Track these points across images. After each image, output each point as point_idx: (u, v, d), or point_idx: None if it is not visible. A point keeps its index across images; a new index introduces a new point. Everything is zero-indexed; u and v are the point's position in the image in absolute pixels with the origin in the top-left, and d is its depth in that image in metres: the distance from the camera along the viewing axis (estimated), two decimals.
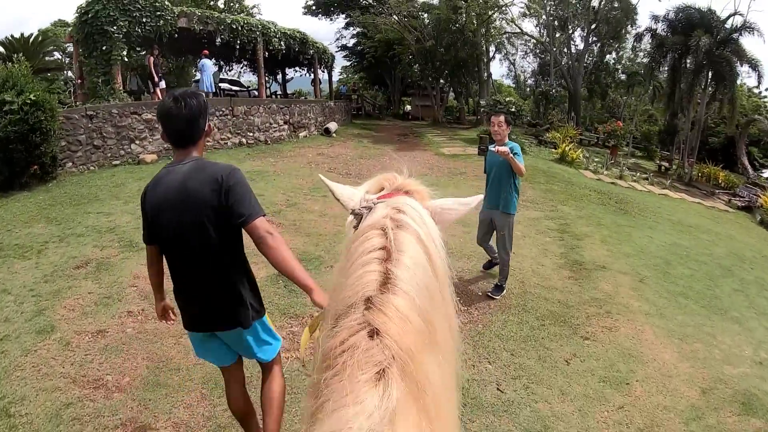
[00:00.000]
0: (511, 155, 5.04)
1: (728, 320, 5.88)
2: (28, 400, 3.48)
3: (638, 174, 17.63)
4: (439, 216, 1.14)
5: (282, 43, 17.75)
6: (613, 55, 31.96)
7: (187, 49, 19.72)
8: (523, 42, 34.34)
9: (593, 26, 27.29)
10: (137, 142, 11.63)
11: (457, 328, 1.06)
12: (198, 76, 16.99)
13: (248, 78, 31.74)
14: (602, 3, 26.57)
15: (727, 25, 21.23)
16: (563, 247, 7.51)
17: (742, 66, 20.81)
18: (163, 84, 14.55)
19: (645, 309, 5.69)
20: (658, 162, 23.81)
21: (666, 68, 23.59)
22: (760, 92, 32.60)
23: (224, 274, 2.32)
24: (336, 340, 0.79)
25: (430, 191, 1.20)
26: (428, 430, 0.75)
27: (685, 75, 22.20)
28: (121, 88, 12.76)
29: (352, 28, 32.09)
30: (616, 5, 26.76)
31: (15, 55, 11.60)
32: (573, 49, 29.23)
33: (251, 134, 14.91)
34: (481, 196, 1.32)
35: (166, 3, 13.55)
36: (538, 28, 30.15)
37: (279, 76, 28.25)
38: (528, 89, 39.33)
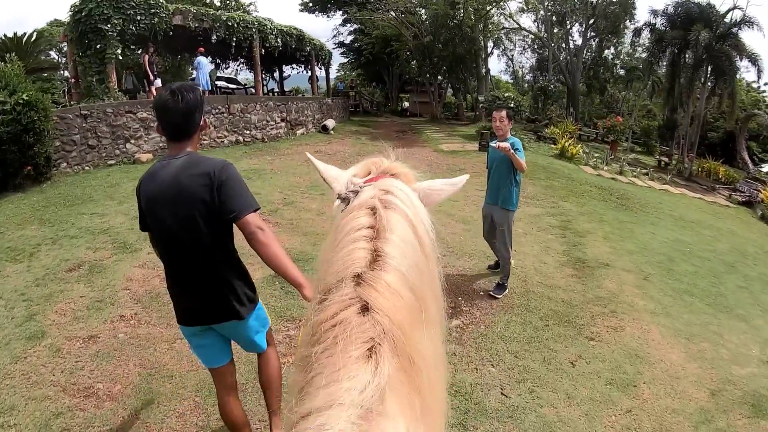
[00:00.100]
0: (512, 151, 4.97)
1: (734, 318, 5.78)
2: (17, 410, 3.36)
3: (638, 169, 17.52)
4: (427, 197, 1.14)
5: (278, 40, 17.61)
6: (612, 50, 31.89)
7: (183, 47, 19.59)
8: (521, 38, 34.26)
9: (591, 21, 27.17)
10: (132, 141, 11.50)
11: (444, 307, 1.05)
12: (195, 74, 16.85)
13: (245, 76, 31.65)
14: None
15: (727, 20, 21.12)
16: (565, 245, 7.39)
17: (741, 60, 20.76)
18: (158, 82, 14.39)
19: (650, 308, 5.58)
20: (657, 157, 23.71)
21: (665, 63, 23.48)
22: (759, 87, 32.49)
23: (217, 268, 2.33)
24: (326, 313, 0.79)
25: (417, 174, 1.19)
26: (420, 405, 0.75)
27: (685, 70, 22.10)
28: (115, 86, 12.60)
29: (349, 25, 31.95)
30: (614, 0, 26.62)
31: (8, 55, 11.44)
32: (571, 45, 29.15)
33: (248, 132, 14.77)
34: (468, 176, 1.31)
35: (161, 0, 13.39)
36: (536, 23, 29.98)
37: (276, 74, 28.12)
38: (526, 85, 39.17)
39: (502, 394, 3.76)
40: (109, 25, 12.10)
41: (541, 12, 27.38)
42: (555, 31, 27.78)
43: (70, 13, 12.43)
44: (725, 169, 21.65)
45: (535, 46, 33.77)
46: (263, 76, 23.24)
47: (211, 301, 2.36)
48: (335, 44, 33.64)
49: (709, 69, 21.22)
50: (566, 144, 16.67)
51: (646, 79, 26.64)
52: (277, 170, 11.02)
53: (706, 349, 4.89)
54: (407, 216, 0.95)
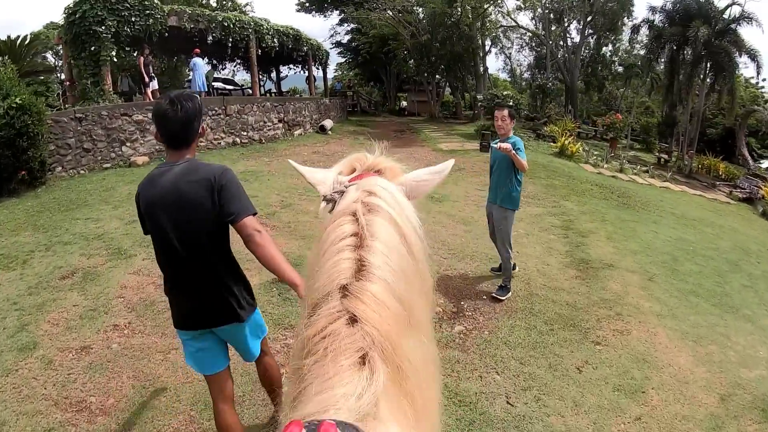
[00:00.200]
0: (513, 152, 4.93)
1: (740, 319, 5.68)
2: (8, 425, 3.25)
3: (638, 167, 17.44)
4: (414, 190, 1.13)
5: (275, 40, 17.47)
6: (610, 47, 31.83)
7: (179, 48, 19.44)
8: (518, 35, 34.25)
9: (589, 18, 27.12)
10: (128, 144, 11.37)
11: (434, 300, 1.09)
12: (191, 75, 16.73)
13: (242, 76, 31.48)
14: None
15: (725, 16, 21.07)
16: (568, 245, 7.28)
17: (740, 56, 20.70)
18: (155, 84, 14.26)
19: (656, 310, 5.47)
20: (657, 154, 23.66)
21: (664, 60, 23.42)
22: (758, 83, 32.42)
23: (216, 271, 2.38)
24: (315, 327, 0.79)
25: (402, 166, 1.18)
26: (411, 408, 0.76)
27: (684, 66, 22.05)
28: (111, 89, 12.44)
29: (346, 25, 31.88)
30: None
31: (1, 59, 11.33)
32: (569, 42, 29.10)
33: (245, 133, 14.65)
34: (452, 161, 1.29)
35: (156, 1, 13.25)
36: (533, 20, 29.94)
37: (273, 74, 27.99)
38: (524, 83, 39.10)
39: (507, 403, 3.65)
40: (103, 27, 11.94)
41: (539, 9, 27.34)
42: (553, 28, 27.72)
43: (64, 15, 12.26)
44: (725, 165, 21.60)
45: (533, 44, 33.77)
46: (260, 76, 23.14)
47: (211, 303, 2.39)
48: (332, 44, 33.59)
49: (708, 65, 21.16)
50: (566, 142, 16.56)
51: (645, 76, 26.54)
52: (275, 172, 10.90)
53: (714, 352, 4.79)
54: (391, 218, 0.94)
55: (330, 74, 30.48)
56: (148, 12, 12.86)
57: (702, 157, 22.10)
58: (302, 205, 8.30)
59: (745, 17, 20.27)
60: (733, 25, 20.56)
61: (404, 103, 32.87)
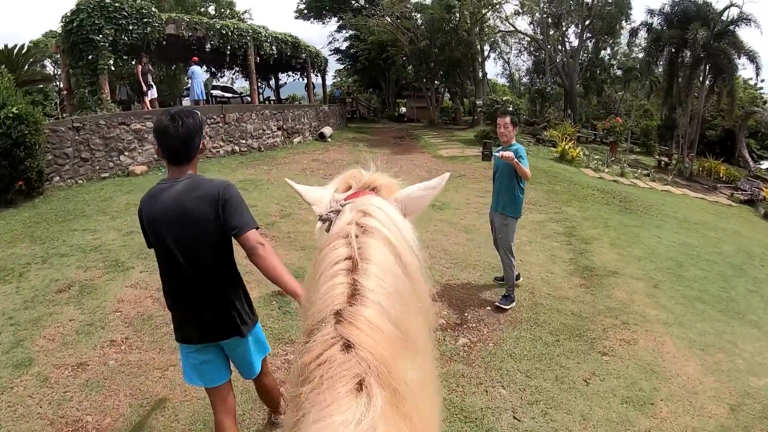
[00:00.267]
0: (516, 160, 4.88)
1: (747, 325, 5.60)
2: None
3: (639, 170, 17.41)
4: (410, 207, 1.12)
5: (273, 47, 17.44)
6: (608, 50, 31.82)
7: (178, 56, 19.42)
8: (516, 40, 34.17)
9: (587, 22, 27.11)
10: (126, 153, 11.32)
11: (434, 317, 1.04)
12: (189, 83, 16.69)
13: (241, 84, 31.45)
14: None
15: (724, 17, 21.06)
16: (571, 252, 7.19)
17: (739, 58, 20.70)
18: (154, 92, 14.19)
19: (663, 318, 5.38)
20: (657, 157, 23.60)
21: (663, 62, 23.41)
22: (756, 84, 32.36)
23: (220, 286, 2.41)
24: (311, 355, 0.79)
25: (398, 182, 1.17)
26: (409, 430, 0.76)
27: (683, 69, 22.06)
28: (108, 98, 12.39)
29: (344, 31, 31.83)
30: (609, 0, 26.57)
31: None
32: (567, 46, 29.05)
33: (244, 141, 14.59)
34: (448, 174, 1.26)
35: (153, 10, 13.23)
36: (531, 25, 29.93)
37: (272, 82, 27.96)
38: (522, 88, 39.08)
39: (514, 418, 3.56)
40: (100, 36, 11.91)
41: (537, 14, 27.33)
42: (551, 33, 27.69)
43: (62, 23, 12.25)
44: (726, 167, 21.54)
45: (532, 49, 33.71)
46: (259, 84, 23.09)
47: (214, 316, 2.42)
48: (331, 51, 33.53)
49: (707, 67, 21.16)
50: (566, 147, 16.50)
51: (644, 79, 26.53)
52: (274, 180, 10.82)
53: (722, 360, 4.70)
54: (386, 238, 0.94)
55: (329, 81, 30.53)
56: (145, 20, 12.84)
57: (702, 160, 22.05)
58: (302, 215, 8.21)
59: (744, 18, 20.31)
60: (731, 27, 20.60)
61: (403, 110, 32.86)
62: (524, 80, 39.15)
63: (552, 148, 17.75)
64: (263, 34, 17.00)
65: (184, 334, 2.50)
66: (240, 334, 2.46)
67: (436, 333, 4.67)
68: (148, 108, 13.35)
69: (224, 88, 25.76)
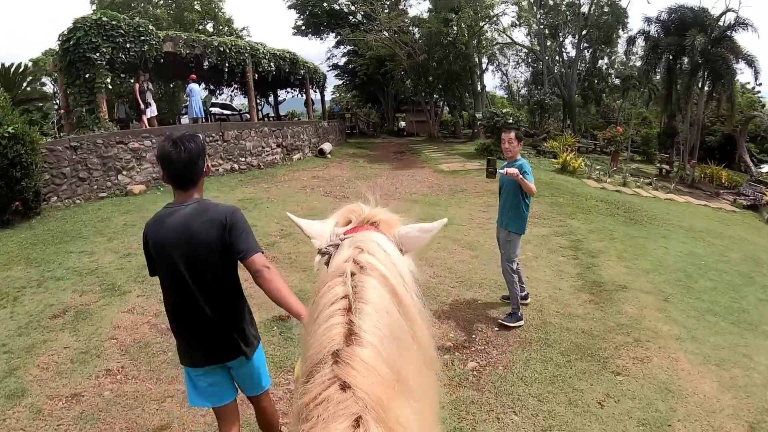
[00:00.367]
0: (521, 176, 4.80)
1: (760, 336, 5.46)
2: None
3: (641, 179, 17.31)
4: (407, 244, 1.14)
5: (272, 64, 17.43)
6: (606, 60, 31.88)
7: (176, 74, 19.40)
8: (514, 52, 34.25)
9: (584, 32, 27.20)
10: (124, 172, 11.23)
11: (435, 357, 1.05)
12: (188, 101, 16.65)
13: (240, 101, 31.48)
14: (592, 8, 26.47)
15: (721, 23, 21.10)
16: (578, 267, 7.04)
17: (738, 63, 20.69)
18: (154, 111, 14.14)
19: (675, 333, 5.23)
20: (658, 165, 23.54)
21: (661, 70, 23.40)
22: (753, 88, 32.34)
23: (227, 307, 2.43)
24: (309, 396, 0.81)
25: (399, 217, 1.19)
26: None
27: (681, 75, 22.06)
28: (106, 116, 12.32)
29: (342, 47, 31.85)
30: (606, 10, 26.70)
31: None
32: (565, 57, 29.12)
33: (243, 159, 14.49)
34: (445, 221, 1.28)
35: (150, 27, 13.21)
36: (528, 36, 29.98)
37: (271, 98, 27.99)
38: (521, 99, 39.09)
39: None
40: (97, 54, 11.87)
41: (534, 25, 27.39)
42: (548, 43, 27.74)
43: (59, 41, 12.21)
44: (728, 173, 21.47)
45: (529, 60, 33.77)
46: (258, 100, 23.08)
47: (221, 338, 2.43)
48: (329, 66, 33.51)
49: (706, 73, 21.14)
50: (567, 158, 16.42)
51: (643, 87, 26.53)
52: (274, 198, 10.69)
53: (738, 376, 4.55)
54: (383, 276, 0.95)
55: (328, 97, 30.56)
56: (142, 38, 12.81)
57: (704, 166, 21.99)
58: (302, 235, 8.03)
59: (741, 23, 20.32)
60: (728, 32, 20.62)
61: (403, 124, 32.82)
62: (522, 92, 39.21)
63: (553, 160, 17.67)
64: (261, 50, 17.00)
65: (191, 358, 2.50)
66: (245, 355, 2.47)
67: (443, 357, 4.54)
68: (146, 126, 13.28)
69: (223, 106, 25.77)
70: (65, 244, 7.55)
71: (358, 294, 0.90)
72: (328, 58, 33.92)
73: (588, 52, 29.57)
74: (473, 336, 4.95)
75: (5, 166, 8.27)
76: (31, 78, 19.81)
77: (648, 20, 22.77)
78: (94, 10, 21.16)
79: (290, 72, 19.00)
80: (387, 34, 23.90)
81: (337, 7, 29.13)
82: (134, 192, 10.92)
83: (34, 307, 5.46)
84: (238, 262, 2.36)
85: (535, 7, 26.07)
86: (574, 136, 22.39)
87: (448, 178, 14.08)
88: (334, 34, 30.92)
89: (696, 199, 16.42)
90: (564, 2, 27.49)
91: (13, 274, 6.45)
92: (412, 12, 28.36)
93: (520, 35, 45.68)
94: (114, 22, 12.20)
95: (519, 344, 4.78)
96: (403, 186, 12.92)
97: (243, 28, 31.88)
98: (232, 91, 28.26)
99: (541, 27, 27.35)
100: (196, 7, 28.09)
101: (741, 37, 35.37)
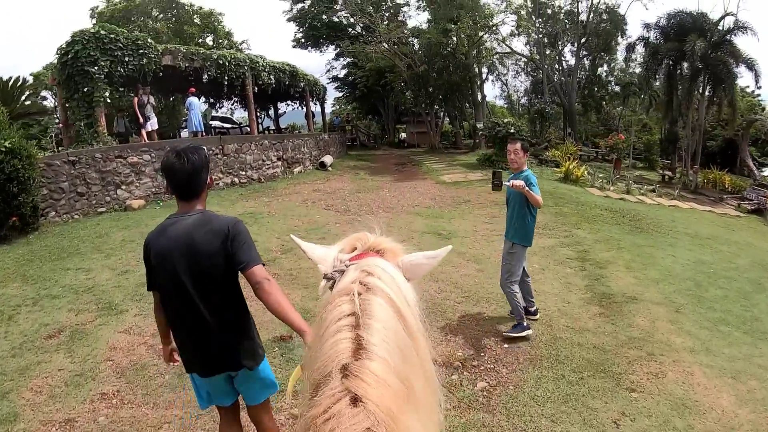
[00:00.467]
0: (527, 188, 4.72)
1: None
2: None
3: (644, 186, 17.17)
4: (411, 271, 1.15)
5: (271, 77, 17.41)
6: (605, 67, 31.86)
7: (175, 87, 19.42)
8: (514, 61, 34.29)
9: (583, 40, 27.21)
10: (123, 187, 11.12)
11: (436, 381, 1.04)
12: (188, 115, 16.58)
13: (240, 114, 31.52)
14: (591, 17, 26.48)
15: (720, 27, 21.09)
16: (587, 279, 6.89)
17: (738, 67, 20.66)
18: (154, 123, 14.04)
19: (689, 345, 5.07)
20: (660, 171, 23.41)
21: (661, 76, 23.37)
22: (753, 91, 32.32)
23: (229, 317, 2.43)
24: (318, 409, 0.79)
25: (403, 247, 1.20)
26: None
27: (682, 81, 22.00)
28: (105, 131, 12.25)
29: (342, 59, 31.94)
30: (604, 17, 26.73)
31: None
32: (564, 65, 29.12)
33: (243, 173, 14.39)
34: (450, 248, 1.30)
35: (149, 41, 13.17)
36: (527, 46, 29.99)
37: (271, 111, 27.98)
38: (521, 108, 39.10)
39: None
40: (96, 68, 11.80)
41: (533, 34, 27.39)
42: (548, 52, 27.73)
43: (57, 55, 12.15)
44: (731, 178, 21.35)
45: (529, 69, 33.78)
46: (258, 113, 23.04)
47: (222, 349, 2.43)
48: (329, 79, 33.60)
49: (707, 78, 21.11)
50: (570, 166, 16.30)
51: (644, 94, 26.49)
52: (275, 213, 10.57)
53: (756, 388, 4.38)
54: (389, 298, 0.96)
55: (328, 109, 30.57)
56: (141, 51, 12.76)
57: (707, 171, 21.87)
58: None
59: (740, 27, 20.33)
60: (728, 36, 20.62)
61: (403, 135, 32.83)
62: (523, 101, 39.21)
63: (555, 169, 17.57)
64: (261, 63, 16.98)
65: (192, 366, 2.52)
66: (248, 367, 2.47)
67: (452, 377, 4.37)
68: (145, 140, 13.20)
69: (223, 119, 25.76)
70: (62, 261, 7.41)
71: (365, 311, 0.90)
72: (328, 71, 34.07)
73: (587, 59, 29.59)
74: (482, 354, 4.78)
75: (2, 181, 8.18)
76: (30, 92, 19.72)
77: (647, 26, 22.83)
78: (94, 24, 21.23)
79: (290, 84, 18.99)
80: (386, 46, 23.92)
81: (337, 20, 29.25)
82: (133, 207, 10.80)
83: (28, 327, 5.32)
84: (240, 273, 2.36)
85: (533, 16, 26.06)
86: (575, 144, 22.31)
87: (451, 190, 13.96)
88: (333, 47, 31.02)
89: (700, 204, 16.27)
90: (563, 11, 27.55)
91: (8, 292, 6.31)
92: (411, 23, 28.57)
93: (519, 44, 45.67)
94: (112, 36, 12.16)
95: (529, 361, 4.61)
96: (406, 198, 12.80)
97: (243, 41, 32.10)
98: (232, 105, 28.28)
99: (540, 36, 27.35)
100: (195, 20, 28.21)
101: (740, 41, 35.40)
